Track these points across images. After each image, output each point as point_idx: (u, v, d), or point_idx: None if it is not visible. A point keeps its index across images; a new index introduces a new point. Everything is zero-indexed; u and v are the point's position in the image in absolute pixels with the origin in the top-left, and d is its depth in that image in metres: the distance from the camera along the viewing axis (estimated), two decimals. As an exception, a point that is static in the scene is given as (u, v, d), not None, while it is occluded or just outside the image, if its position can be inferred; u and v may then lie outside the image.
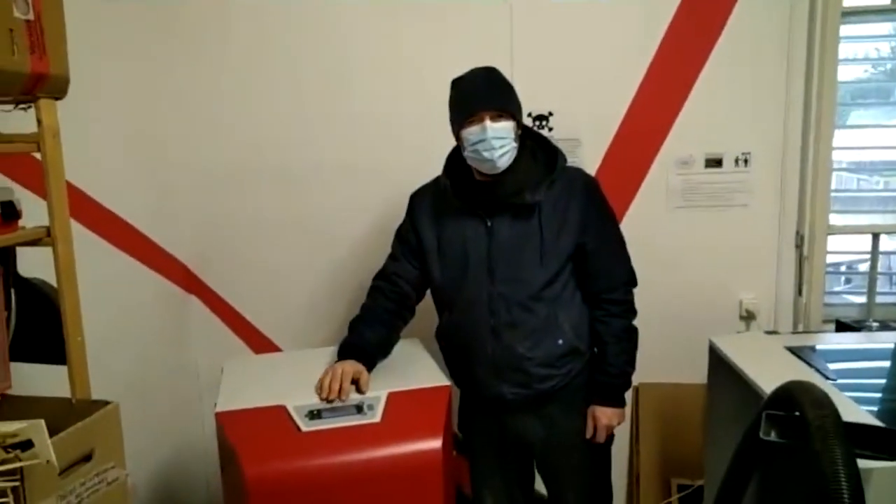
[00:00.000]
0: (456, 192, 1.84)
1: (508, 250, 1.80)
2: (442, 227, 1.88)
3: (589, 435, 1.89)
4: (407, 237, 1.95)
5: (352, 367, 1.70)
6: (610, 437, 1.96)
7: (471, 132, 1.72)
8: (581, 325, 1.87)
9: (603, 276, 1.85)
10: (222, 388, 1.75)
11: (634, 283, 1.91)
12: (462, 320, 1.88)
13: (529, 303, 1.80)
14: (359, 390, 1.67)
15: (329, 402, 1.62)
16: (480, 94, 1.74)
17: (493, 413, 1.94)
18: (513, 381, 1.85)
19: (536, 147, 1.85)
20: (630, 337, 1.90)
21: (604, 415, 1.87)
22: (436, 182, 1.93)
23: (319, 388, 1.66)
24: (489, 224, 1.81)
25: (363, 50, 2.42)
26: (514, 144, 1.75)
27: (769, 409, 1.28)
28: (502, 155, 1.73)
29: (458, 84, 1.79)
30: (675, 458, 2.55)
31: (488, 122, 1.70)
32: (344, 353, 1.77)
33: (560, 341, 1.82)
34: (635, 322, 1.91)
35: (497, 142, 1.71)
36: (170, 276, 2.49)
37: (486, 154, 1.72)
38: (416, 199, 1.97)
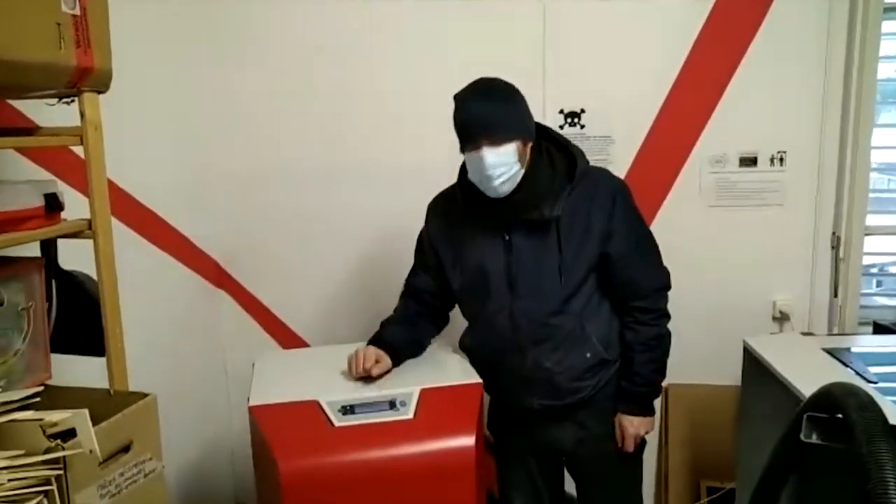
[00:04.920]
0: (472, 204, 1.76)
1: (528, 265, 1.74)
2: (460, 240, 1.82)
3: (620, 444, 1.85)
4: (424, 250, 1.94)
5: (373, 350, 1.77)
6: (641, 445, 1.92)
7: (470, 158, 1.66)
8: (610, 335, 1.82)
9: (631, 285, 1.79)
10: (255, 382, 1.76)
11: (667, 287, 1.84)
12: (486, 335, 1.84)
13: (552, 318, 1.75)
14: (368, 371, 1.72)
15: (362, 380, 1.72)
16: (477, 122, 1.62)
17: (522, 420, 1.91)
18: (542, 394, 1.82)
19: (554, 151, 1.75)
20: (660, 344, 1.82)
21: (631, 424, 1.83)
22: (453, 189, 1.85)
23: (350, 371, 1.74)
24: (507, 238, 1.75)
25: (397, 50, 2.42)
26: (517, 167, 1.65)
27: (810, 411, 1.26)
28: (502, 182, 1.65)
29: (456, 103, 1.67)
30: (705, 460, 2.52)
31: (485, 151, 1.61)
32: (370, 343, 1.84)
33: (588, 354, 1.78)
34: (669, 326, 1.84)
35: (495, 170, 1.62)
36: (200, 272, 2.51)
37: (484, 182, 1.66)
38: (432, 208, 1.93)
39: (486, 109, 1.63)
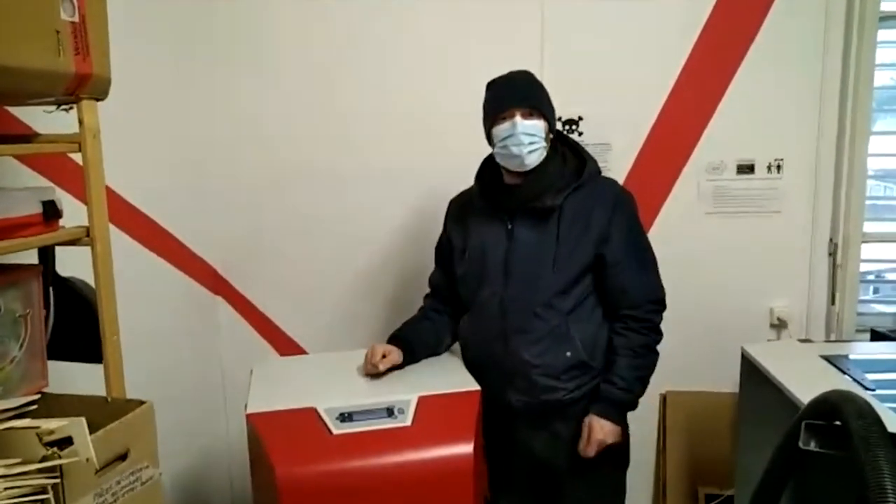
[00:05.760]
0: (483, 194, 1.86)
1: (525, 254, 1.80)
2: (468, 230, 1.90)
3: (581, 446, 1.80)
4: (441, 245, 2.02)
5: (382, 346, 1.83)
6: (624, 464, 1.91)
7: (501, 129, 1.75)
8: (596, 342, 1.81)
9: (623, 292, 1.80)
10: (252, 389, 1.76)
11: (662, 305, 1.85)
12: (476, 322, 1.89)
13: (540, 309, 1.77)
14: (375, 364, 1.78)
15: (371, 376, 1.79)
16: (513, 91, 1.77)
17: (505, 422, 1.89)
18: (518, 388, 1.82)
19: (568, 153, 1.85)
20: (647, 354, 1.81)
21: (599, 428, 1.77)
22: (471, 189, 1.96)
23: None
24: (510, 227, 1.82)
25: (392, 53, 2.43)
26: (544, 144, 1.76)
27: (808, 418, 1.26)
28: (531, 151, 1.73)
29: (492, 84, 1.82)
30: (703, 467, 2.52)
31: (519, 119, 1.72)
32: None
33: (568, 353, 1.78)
34: (658, 347, 1.84)
35: (526, 137, 1.72)
36: (198, 278, 2.50)
37: (514, 149, 1.73)
38: (451, 205, 2.03)
39: (521, 84, 1.79)
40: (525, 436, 1.88)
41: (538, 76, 1.82)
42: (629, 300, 1.80)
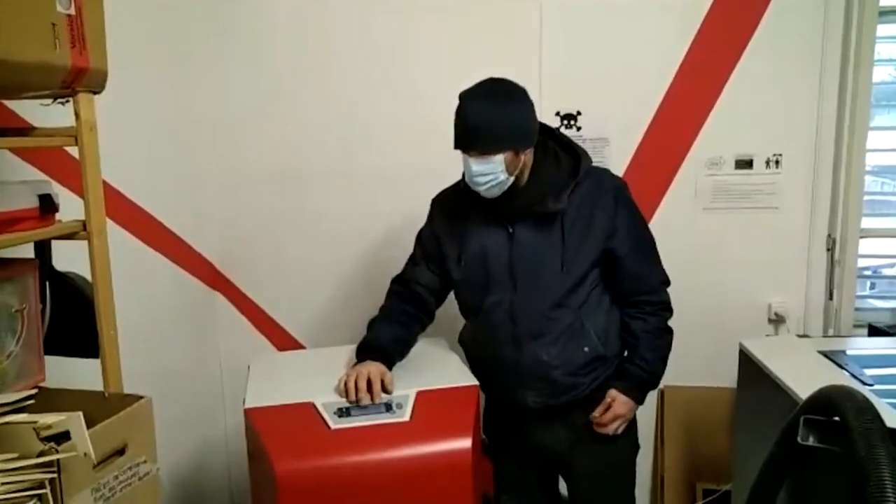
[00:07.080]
0: (476, 199, 1.78)
1: (530, 257, 1.77)
2: (463, 233, 1.84)
3: (597, 414, 1.81)
4: (427, 242, 1.94)
5: (377, 368, 1.69)
6: (635, 448, 1.95)
7: (463, 161, 1.71)
8: (608, 331, 1.82)
9: (637, 280, 1.82)
10: (250, 384, 1.76)
11: (668, 283, 1.88)
12: (484, 327, 1.85)
13: (552, 311, 1.77)
14: (385, 390, 1.66)
15: (358, 403, 1.61)
16: (467, 132, 1.67)
17: (516, 420, 1.90)
18: (537, 390, 1.81)
19: (560, 151, 1.81)
20: (664, 335, 1.86)
21: (622, 402, 1.80)
22: (457, 186, 1.89)
23: (345, 391, 1.64)
24: (511, 231, 1.78)
25: (390, 51, 2.42)
26: (504, 176, 1.68)
27: (807, 414, 1.26)
28: (488, 188, 1.70)
29: (458, 103, 1.70)
30: (701, 462, 2.53)
31: (472, 161, 1.67)
32: (362, 351, 1.78)
33: (586, 348, 1.78)
34: (670, 322, 1.87)
35: (481, 178, 1.68)
36: (196, 273, 2.50)
37: (471, 186, 1.73)
38: (437, 203, 1.95)
39: (479, 119, 1.65)
40: (539, 432, 1.88)
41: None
42: (644, 286, 1.83)
